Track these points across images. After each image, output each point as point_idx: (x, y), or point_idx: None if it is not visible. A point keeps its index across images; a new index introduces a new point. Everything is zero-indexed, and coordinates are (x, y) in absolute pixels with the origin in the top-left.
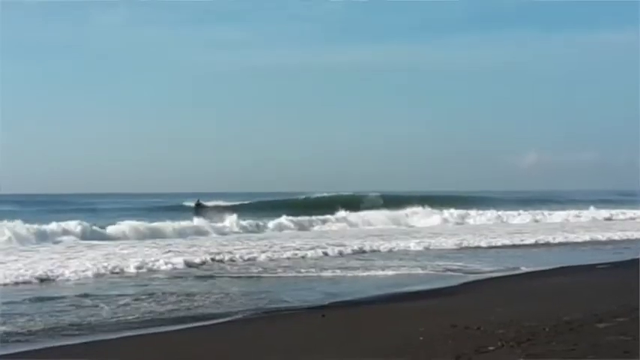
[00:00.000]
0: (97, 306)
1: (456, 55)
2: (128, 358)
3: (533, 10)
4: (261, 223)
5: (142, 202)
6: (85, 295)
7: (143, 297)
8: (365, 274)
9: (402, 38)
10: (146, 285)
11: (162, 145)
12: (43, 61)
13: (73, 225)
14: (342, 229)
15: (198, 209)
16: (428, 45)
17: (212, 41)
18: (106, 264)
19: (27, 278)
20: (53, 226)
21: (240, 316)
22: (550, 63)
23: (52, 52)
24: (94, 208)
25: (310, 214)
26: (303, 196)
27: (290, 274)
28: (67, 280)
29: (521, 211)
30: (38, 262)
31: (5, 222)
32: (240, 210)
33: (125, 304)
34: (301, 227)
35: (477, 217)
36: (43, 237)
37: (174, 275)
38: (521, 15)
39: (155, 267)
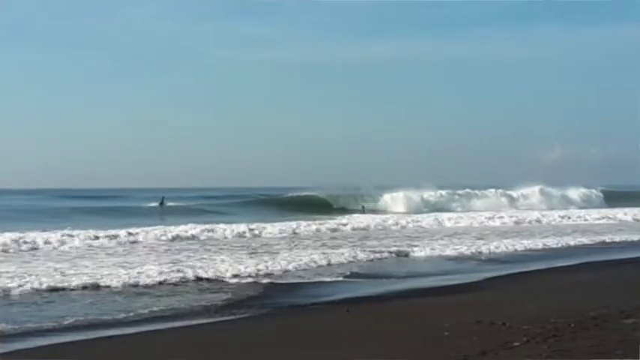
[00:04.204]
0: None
1: (480, 50)
2: (158, 348)
3: (558, 4)
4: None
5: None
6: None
7: (170, 290)
8: None
9: (429, 32)
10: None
11: (183, 139)
12: (61, 53)
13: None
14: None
15: (162, 208)
16: (454, 39)
17: (238, 36)
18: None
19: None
20: None
21: (264, 310)
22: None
23: (78, 45)
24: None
25: None
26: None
27: None
28: None
29: None
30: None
31: None
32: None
33: (152, 296)
34: None
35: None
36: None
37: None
38: (546, 9)
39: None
